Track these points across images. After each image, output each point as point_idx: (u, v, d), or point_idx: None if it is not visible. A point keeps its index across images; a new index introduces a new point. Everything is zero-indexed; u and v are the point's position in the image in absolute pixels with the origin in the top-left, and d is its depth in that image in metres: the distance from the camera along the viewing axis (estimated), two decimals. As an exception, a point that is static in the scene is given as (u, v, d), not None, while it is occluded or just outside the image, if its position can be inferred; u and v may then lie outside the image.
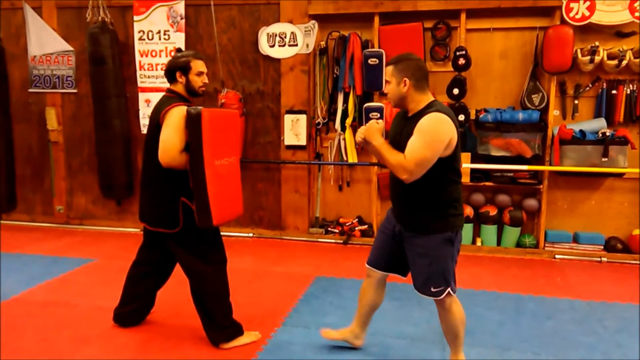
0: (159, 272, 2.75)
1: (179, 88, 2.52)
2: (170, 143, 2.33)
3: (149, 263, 2.72)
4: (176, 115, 2.36)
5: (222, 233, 2.70)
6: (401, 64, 2.13)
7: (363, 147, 2.37)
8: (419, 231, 2.17)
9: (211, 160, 2.34)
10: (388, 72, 2.17)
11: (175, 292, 2.98)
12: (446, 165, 2.07)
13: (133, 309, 2.77)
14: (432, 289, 2.17)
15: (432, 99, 2.15)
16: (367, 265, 2.43)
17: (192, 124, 2.31)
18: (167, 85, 2.58)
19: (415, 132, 2.03)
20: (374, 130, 2.14)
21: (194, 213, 2.40)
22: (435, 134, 2.00)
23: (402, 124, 2.18)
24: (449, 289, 2.18)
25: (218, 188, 2.38)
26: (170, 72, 2.51)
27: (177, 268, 2.69)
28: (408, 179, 2.01)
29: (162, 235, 2.54)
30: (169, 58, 4.57)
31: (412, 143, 2.02)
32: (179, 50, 2.61)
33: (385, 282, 2.46)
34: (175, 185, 2.44)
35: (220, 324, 2.56)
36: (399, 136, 2.16)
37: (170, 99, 2.47)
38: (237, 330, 2.62)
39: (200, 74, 2.51)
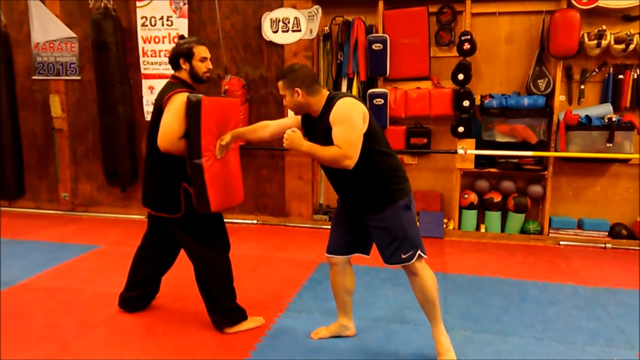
0: (163, 257, 2.77)
1: (183, 75, 2.51)
2: (170, 128, 2.34)
3: (153, 248, 2.74)
4: (178, 102, 2.36)
5: (226, 220, 2.70)
6: (289, 77, 2.20)
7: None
8: (374, 211, 2.22)
9: (208, 147, 2.35)
10: (280, 87, 2.24)
11: (180, 277, 3.00)
12: (370, 140, 2.14)
13: (138, 294, 2.79)
14: (402, 256, 2.21)
15: (327, 93, 2.24)
16: (328, 255, 2.43)
17: (192, 111, 2.31)
18: (171, 71, 2.57)
19: (334, 121, 2.10)
20: (295, 138, 2.16)
21: (194, 197, 2.41)
22: (350, 114, 2.09)
23: (313, 126, 2.27)
24: (418, 251, 2.23)
25: (216, 175, 2.39)
26: (174, 59, 2.50)
27: (182, 253, 2.71)
28: (350, 164, 2.06)
29: (166, 220, 2.55)
30: (173, 44, 4.61)
31: (337, 132, 2.08)
32: (181, 37, 2.60)
33: (351, 264, 2.47)
34: (176, 170, 2.45)
35: (224, 308, 2.58)
36: (313, 137, 2.24)
37: (174, 85, 2.46)
38: (241, 315, 2.64)
39: (203, 59, 2.50)
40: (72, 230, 4.60)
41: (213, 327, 2.62)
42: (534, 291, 3.20)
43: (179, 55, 2.48)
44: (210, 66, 2.56)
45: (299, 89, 2.18)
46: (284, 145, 2.18)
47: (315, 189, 4.73)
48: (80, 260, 3.74)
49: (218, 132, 2.42)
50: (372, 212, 2.23)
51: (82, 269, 3.56)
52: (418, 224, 4.46)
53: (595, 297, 3.11)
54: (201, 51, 2.50)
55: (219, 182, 2.42)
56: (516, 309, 2.93)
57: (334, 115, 2.10)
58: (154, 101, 2.57)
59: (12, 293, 3.10)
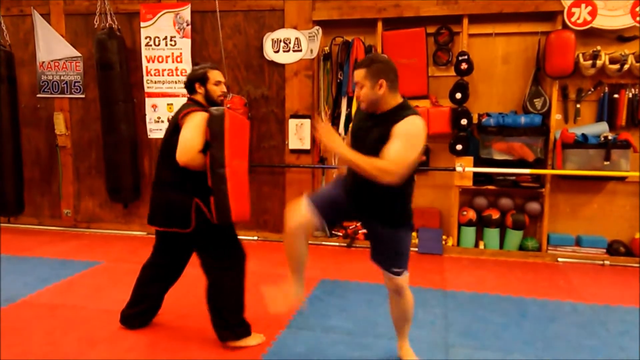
0: (168, 274, 2.79)
1: (199, 97, 2.62)
2: (191, 143, 2.41)
3: (160, 265, 2.76)
4: (197, 118, 2.45)
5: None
6: (374, 67, 2.10)
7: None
8: (389, 225, 2.25)
9: (230, 158, 2.42)
10: (361, 75, 2.11)
11: (181, 295, 3.02)
12: (414, 167, 2.13)
13: (141, 310, 2.81)
14: (395, 270, 2.28)
15: (402, 99, 2.17)
16: (307, 207, 2.18)
17: (216, 122, 2.39)
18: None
19: (398, 135, 2.01)
20: (337, 138, 2.06)
21: (212, 210, 2.45)
22: (418, 137, 2.05)
23: (369, 121, 2.16)
24: (406, 270, 2.32)
25: (235, 186, 2.45)
26: (190, 84, 2.62)
27: (184, 271, 2.73)
28: (393, 182, 1.99)
29: (177, 235, 2.58)
30: (176, 64, 4.71)
31: (396, 146, 1.99)
32: (196, 63, 2.72)
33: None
34: (190, 186, 2.50)
35: (230, 321, 2.60)
36: (363, 132, 2.17)
37: (190, 105, 2.57)
38: (246, 330, 2.66)
39: (217, 83, 2.61)
40: (74, 247, 4.62)
41: (214, 344, 2.63)
42: (534, 308, 3.22)
43: (195, 79, 2.60)
44: (225, 89, 2.66)
45: (383, 82, 2.07)
46: (320, 138, 2.06)
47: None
48: (82, 277, 3.75)
49: (235, 145, 2.48)
50: (386, 224, 2.25)
51: (83, 285, 3.57)
52: (417, 240, 4.49)
53: (594, 315, 3.13)
54: (215, 75, 2.61)
55: (238, 193, 2.49)
56: (516, 326, 2.94)
57: (402, 127, 2.01)
58: (168, 119, 2.64)
59: (14, 310, 3.11)
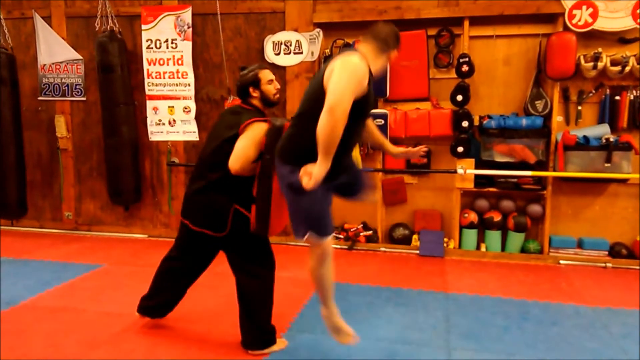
0: (191, 271, 2.76)
1: (255, 101, 2.60)
2: (247, 153, 2.41)
3: (182, 260, 2.73)
4: (257, 129, 2.45)
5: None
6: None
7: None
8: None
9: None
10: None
11: (184, 298, 3.01)
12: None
13: (161, 302, 2.80)
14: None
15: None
16: (329, 237, 2.31)
17: (274, 135, 2.40)
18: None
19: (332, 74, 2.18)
20: (307, 174, 2.10)
21: (250, 219, 2.47)
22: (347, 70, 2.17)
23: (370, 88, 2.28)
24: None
25: (277, 198, 2.45)
26: (243, 90, 2.60)
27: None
28: (339, 116, 2.07)
29: (206, 236, 2.57)
30: (176, 66, 4.71)
31: (331, 85, 2.14)
32: (243, 68, 2.70)
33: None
34: (232, 191, 2.50)
35: (259, 328, 2.60)
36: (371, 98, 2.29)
37: (250, 113, 2.55)
38: (271, 339, 2.64)
39: (270, 81, 2.60)
40: (75, 250, 4.62)
41: (216, 347, 2.63)
42: (535, 311, 3.21)
43: (248, 84, 2.58)
44: (279, 86, 2.65)
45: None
46: (307, 186, 2.08)
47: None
48: (83, 280, 3.75)
49: None
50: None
51: (84, 288, 3.57)
52: (419, 243, 4.49)
53: (596, 317, 3.12)
54: (266, 74, 2.60)
55: (278, 206, 2.48)
56: (518, 329, 2.94)
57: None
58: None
59: (15, 313, 3.11)
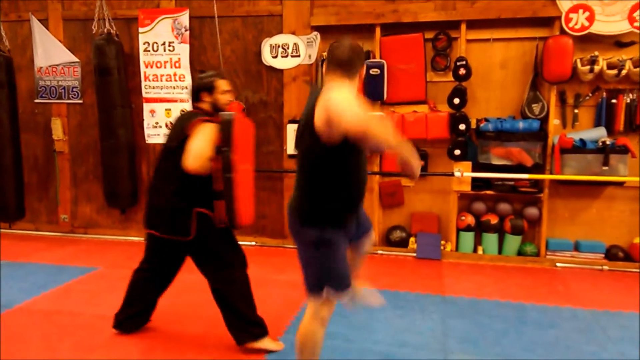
0: (161, 279, 2.78)
1: (205, 106, 2.61)
2: (202, 151, 2.41)
3: (152, 270, 2.75)
4: (207, 127, 2.46)
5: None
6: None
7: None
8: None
9: (239, 163, 2.44)
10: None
11: (177, 300, 3.01)
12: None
13: (133, 313, 2.80)
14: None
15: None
16: (349, 289, 2.13)
17: (226, 127, 2.41)
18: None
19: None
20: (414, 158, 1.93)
21: (221, 215, 2.47)
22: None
23: None
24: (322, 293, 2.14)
25: (243, 189, 2.47)
26: (196, 92, 2.62)
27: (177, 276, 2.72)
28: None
29: (173, 242, 2.57)
30: (174, 69, 4.71)
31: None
32: (201, 71, 2.71)
33: None
34: (190, 194, 2.50)
35: (246, 320, 2.59)
36: None
37: (197, 114, 2.57)
38: (262, 331, 2.65)
39: (225, 92, 2.62)
40: (71, 252, 4.60)
41: (212, 349, 2.62)
42: (533, 314, 3.21)
43: (202, 89, 2.60)
44: (231, 98, 2.67)
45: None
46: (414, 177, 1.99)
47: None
48: (78, 283, 3.73)
49: (242, 149, 2.50)
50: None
51: (80, 291, 3.56)
52: (416, 245, 4.49)
53: (594, 320, 3.12)
54: (223, 85, 2.62)
55: (246, 197, 2.50)
56: (515, 332, 2.93)
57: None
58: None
59: (10, 316, 3.09)
